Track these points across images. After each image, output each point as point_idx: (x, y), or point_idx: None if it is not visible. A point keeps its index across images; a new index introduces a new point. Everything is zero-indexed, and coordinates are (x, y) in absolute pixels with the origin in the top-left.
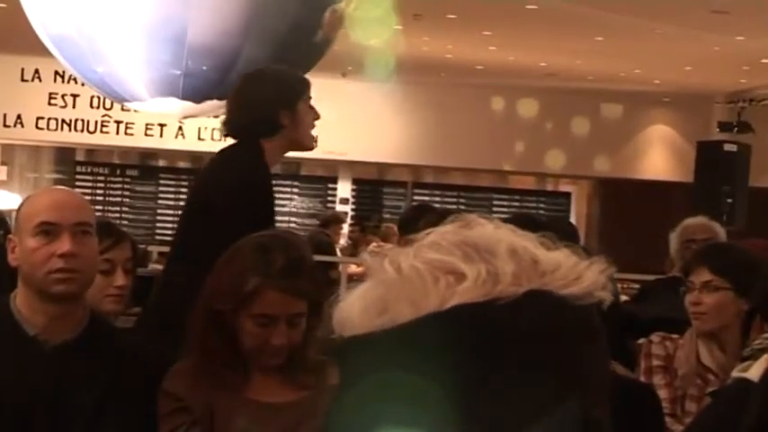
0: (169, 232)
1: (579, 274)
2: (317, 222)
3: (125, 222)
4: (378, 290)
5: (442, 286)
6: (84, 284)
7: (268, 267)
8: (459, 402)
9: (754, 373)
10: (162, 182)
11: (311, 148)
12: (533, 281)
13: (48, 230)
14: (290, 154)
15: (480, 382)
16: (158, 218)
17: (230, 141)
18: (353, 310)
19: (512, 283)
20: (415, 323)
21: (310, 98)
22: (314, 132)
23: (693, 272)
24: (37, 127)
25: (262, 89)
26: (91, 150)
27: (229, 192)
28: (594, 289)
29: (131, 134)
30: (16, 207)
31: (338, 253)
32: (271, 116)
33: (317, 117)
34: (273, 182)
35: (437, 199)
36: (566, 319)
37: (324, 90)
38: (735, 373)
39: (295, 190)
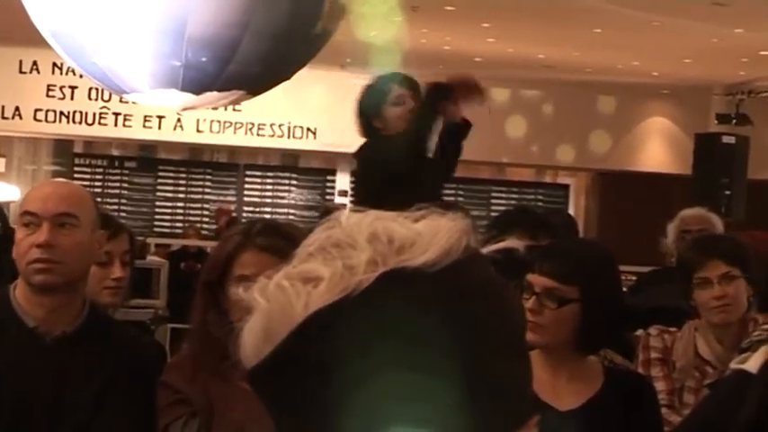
0: (167, 224)
1: (438, 240)
2: (317, 215)
3: (123, 214)
4: (258, 321)
5: (303, 296)
6: (66, 275)
7: (248, 231)
8: (343, 408)
9: (752, 364)
10: (160, 174)
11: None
12: (390, 260)
13: (30, 221)
14: (288, 146)
15: (360, 380)
16: (157, 210)
17: (229, 135)
18: (246, 346)
19: (367, 270)
20: (283, 342)
21: (399, 94)
22: (396, 112)
23: (706, 266)
24: (35, 119)
25: (359, 104)
26: (89, 142)
27: None
28: (450, 248)
29: (130, 126)
30: (16, 199)
31: None
32: (370, 125)
33: (406, 107)
34: (271, 173)
35: None
36: (419, 290)
37: (323, 81)
38: (733, 365)
39: (293, 182)
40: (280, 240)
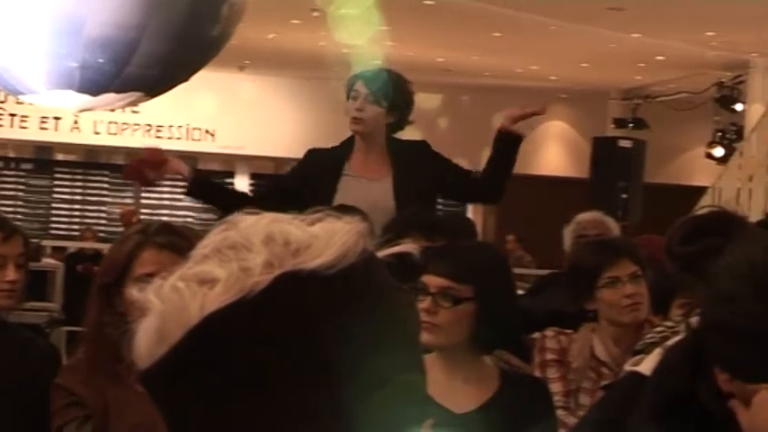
0: (64, 226)
1: (334, 242)
2: (215, 218)
3: (19, 216)
4: (152, 323)
5: (198, 298)
6: None
7: (145, 231)
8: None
9: (645, 367)
10: (57, 176)
11: (352, 131)
12: (287, 262)
13: None
14: (186, 148)
15: (255, 381)
16: (53, 212)
17: (126, 136)
18: (140, 347)
19: (263, 272)
20: (178, 344)
21: (356, 90)
22: (348, 107)
23: (616, 266)
24: None
25: None
26: None
27: None
28: (346, 250)
29: (26, 127)
30: None
31: None
32: None
33: (354, 104)
34: (170, 176)
35: None
36: (315, 292)
37: (221, 84)
38: (627, 367)
39: None
40: (178, 239)
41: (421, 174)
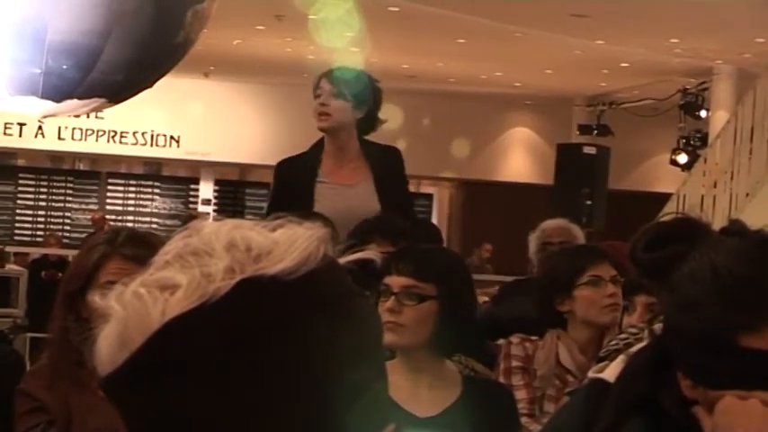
0: (28, 233)
1: (295, 248)
2: (179, 223)
3: None
4: (113, 329)
5: (160, 303)
6: None
7: (112, 240)
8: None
9: (609, 373)
10: (21, 182)
11: (319, 128)
12: (248, 268)
13: None
14: (151, 154)
15: (217, 387)
16: (17, 218)
17: (91, 142)
18: (101, 353)
19: (225, 277)
20: (139, 350)
21: (320, 87)
22: (314, 105)
23: (598, 266)
24: None
25: None
26: None
27: None
28: (308, 256)
29: None
30: None
31: None
32: None
33: (318, 101)
34: (133, 182)
35: None
36: (276, 297)
37: (186, 90)
38: (591, 374)
39: (156, 191)
40: (144, 250)
41: (398, 180)
